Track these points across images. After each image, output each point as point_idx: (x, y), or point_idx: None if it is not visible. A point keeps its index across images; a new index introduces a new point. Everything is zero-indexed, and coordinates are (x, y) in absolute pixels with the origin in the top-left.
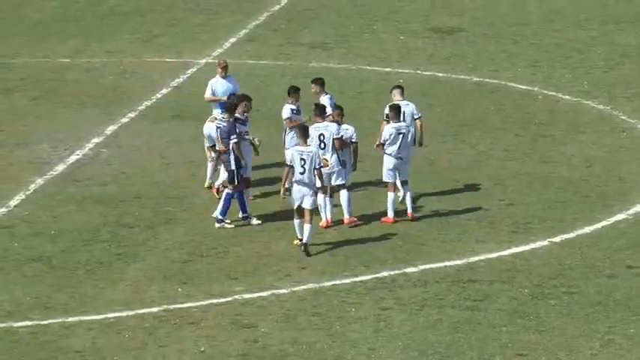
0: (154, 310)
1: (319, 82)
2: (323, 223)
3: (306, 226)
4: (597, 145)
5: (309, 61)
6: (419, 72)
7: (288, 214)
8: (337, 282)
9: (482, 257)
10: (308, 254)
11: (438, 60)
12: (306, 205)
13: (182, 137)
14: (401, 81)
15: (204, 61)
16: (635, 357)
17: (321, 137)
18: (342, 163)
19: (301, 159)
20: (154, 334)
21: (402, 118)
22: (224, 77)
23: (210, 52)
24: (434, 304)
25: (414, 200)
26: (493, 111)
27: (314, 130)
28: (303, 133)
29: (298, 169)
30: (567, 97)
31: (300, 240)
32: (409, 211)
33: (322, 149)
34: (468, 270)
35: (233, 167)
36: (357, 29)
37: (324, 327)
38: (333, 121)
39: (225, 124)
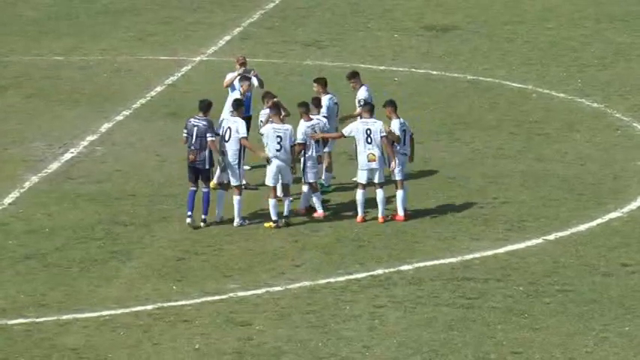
0: (149, 307)
1: (322, 81)
2: (359, 218)
3: (286, 200)
4: (591, 143)
5: (303, 59)
6: (413, 70)
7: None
8: (332, 280)
9: (476, 255)
10: (289, 225)
11: (432, 58)
12: (285, 180)
13: (176, 135)
14: (396, 79)
15: (198, 59)
16: (629, 355)
17: (368, 132)
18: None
19: (277, 136)
20: (149, 331)
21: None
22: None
23: (204, 50)
24: (428, 302)
25: (405, 199)
26: (487, 109)
27: (362, 125)
28: (277, 111)
29: (275, 146)
30: (561, 95)
31: (275, 222)
32: (400, 212)
33: (369, 144)
34: (462, 268)
35: (208, 166)
36: (351, 27)
37: (319, 325)
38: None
39: (204, 122)
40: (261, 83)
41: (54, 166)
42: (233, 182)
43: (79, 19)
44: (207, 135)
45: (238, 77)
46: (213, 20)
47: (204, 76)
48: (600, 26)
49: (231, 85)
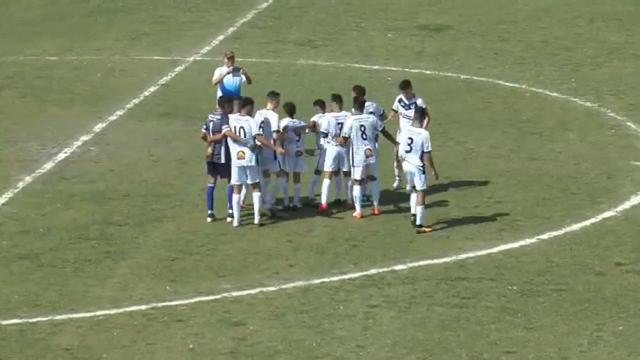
0: (143, 307)
1: (406, 84)
2: (357, 214)
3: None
4: (585, 143)
5: (296, 58)
6: (407, 69)
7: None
8: (326, 280)
9: (470, 255)
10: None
11: (425, 57)
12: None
13: (170, 135)
14: (389, 79)
15: (192, 58)
16: (623, 354)
17: (362, 128)
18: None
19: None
20: (143, 331)
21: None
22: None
23: (198, 50)
24: (422, 302)
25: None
26: (481, 108)
27: (355, 122)
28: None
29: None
30: (555, 94)
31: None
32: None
33: (364, 139)
34: (456, 267)
35: (224, 160)
36: (345, 27)
37: (313, 324)
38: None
39: (218, 117)
40: (248, 79)
41: (48, 166)
42: (250, 181)
43: (72, 19)
44: (223, 127)
45: (231, 74)
46: (207, 20)
47: (198, 75)
48: (594, 25)
49: (220, 82)
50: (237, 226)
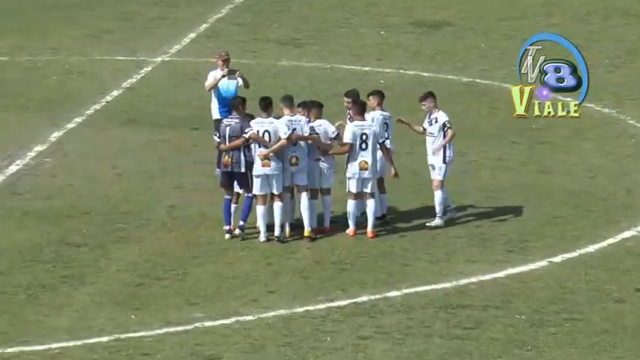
0: (104, 339)
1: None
2: (350, 231)
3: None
4: (602, 153)
5: (278, 59)
6: (401, 71)
7: (254, 232)
8: (310, 308)
9: (473, 279)
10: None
11: (422, 58)
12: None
13: (136, 145)
14: (382, 81)
15: (160, 59)
16: None
17: (364, 137)
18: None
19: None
20: None
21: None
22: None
23: (167, 50)
24: (419, 333)
25: (393, 215)
26: (485, 115)
27: (358, 129)
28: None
29: None
30: (568, 99)
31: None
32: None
33: (363, 150)
34: (457, 294)
35: (244, 169)
36: (332, 23)
37: (296, 358)
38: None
39: (236, 120)
40: (245, 83)
41: None
42: (276, 191)
43: (25, 15)
44: (246, 130)
45: (226, 77)
46: (176, 16)
47: (167, 78)
48: (610, 22)
49: (215, 87)
50: (264, 241)
